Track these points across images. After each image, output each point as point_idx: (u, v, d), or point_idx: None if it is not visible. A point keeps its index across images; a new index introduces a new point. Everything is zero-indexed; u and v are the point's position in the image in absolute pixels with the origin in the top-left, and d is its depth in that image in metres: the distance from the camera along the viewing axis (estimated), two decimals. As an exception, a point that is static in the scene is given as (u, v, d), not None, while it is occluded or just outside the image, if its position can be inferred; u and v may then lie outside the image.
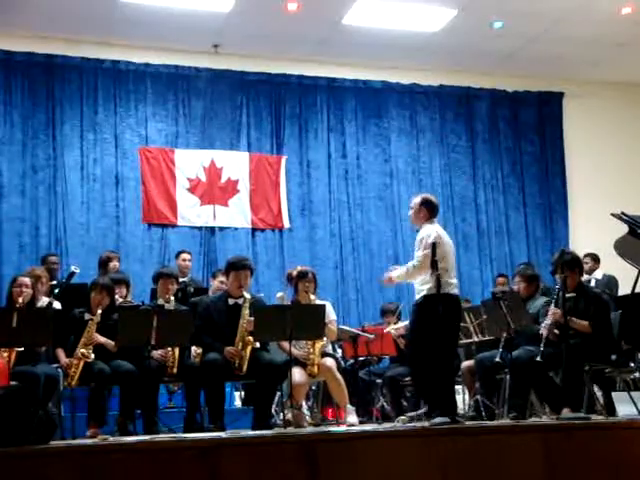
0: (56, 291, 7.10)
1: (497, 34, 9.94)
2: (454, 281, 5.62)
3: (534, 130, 11.60)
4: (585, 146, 11.55)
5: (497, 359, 6.07)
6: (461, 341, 6.60)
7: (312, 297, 6.43)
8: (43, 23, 9.29)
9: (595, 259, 8.84)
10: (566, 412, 5.43)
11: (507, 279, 9.14)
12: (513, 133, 11.52)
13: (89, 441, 4.98)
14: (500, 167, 11.38)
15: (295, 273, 6.80)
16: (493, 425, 5.47)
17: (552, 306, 5.94)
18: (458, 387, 7.17)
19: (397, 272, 5.76)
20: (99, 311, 6.00)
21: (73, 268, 7.90)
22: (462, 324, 6.43)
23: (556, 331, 5.89)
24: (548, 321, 5.90)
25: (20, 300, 5.89)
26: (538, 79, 11.40)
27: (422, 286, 5.57)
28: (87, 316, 6.06)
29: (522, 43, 10.24)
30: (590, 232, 10.82)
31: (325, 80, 10.79)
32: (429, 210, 5.77)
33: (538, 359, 5.73)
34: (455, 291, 5.61)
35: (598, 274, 8.84)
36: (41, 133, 9.69)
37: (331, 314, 6.55)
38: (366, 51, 10.28)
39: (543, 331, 5.88)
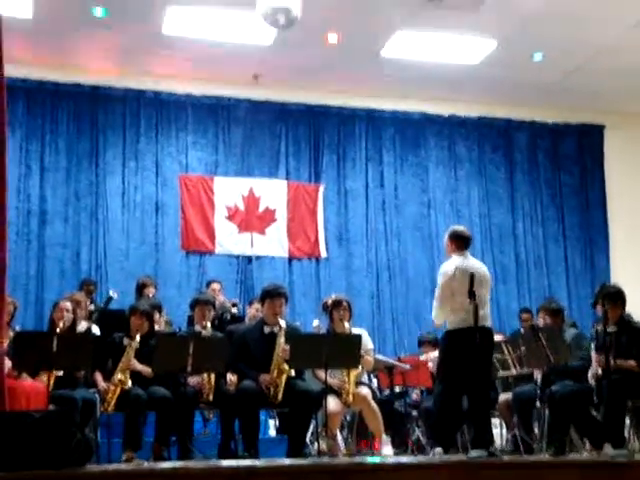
0: (94, 316, 7.21)
1: (537, 66, 9.92)
2: (481, 313, 5.58)
3: (574, 162, 11.51)
4: (626, 178, 11.41)
5: (538, 403, 6.03)
6: (499, 373, 6.52)
7: (347, 325, 6.41)
8: (90, 55, 9.52)
9: None
10: (607, 448, 5.32)
11: (531, 314, 8.85)
12: (552, 165, 11.44)
13: (124, 466, 5.00)
14: (539, 199, 11.30)
15: (330, 302, 6.80)
16: (532, 460, 5.38)
17: (593, 352, 5.87)
18: (495, 420, 7.09)
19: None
20: (138, 337, 6.04)
21: (111, 293, 8.02)
22: (500, 356, 6.36)
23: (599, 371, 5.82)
24: (593, 370, 5.83)
25: (61, 325, 5.97)
26: (578, 111, 11.31)
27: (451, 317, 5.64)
28: (126, 341, 6.10)
29: (562, 75, 10.19)
30: (632, 266, 10.68)
31: (364, 111, 10.85)
32: (457, 242, 5.82)
33: (594, 413, 5.69)
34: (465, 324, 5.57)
35: None
36: (85, 160, 9.91)
37: (368, 343, 6.52)
38: (405, 82, 10.32)
39: (591, 381, 5.82)
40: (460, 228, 5.97)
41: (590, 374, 5.89)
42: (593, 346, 5.93)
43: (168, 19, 8.69)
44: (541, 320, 6.63)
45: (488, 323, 5.65)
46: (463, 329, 5.49)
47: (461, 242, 5.80)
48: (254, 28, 8.58)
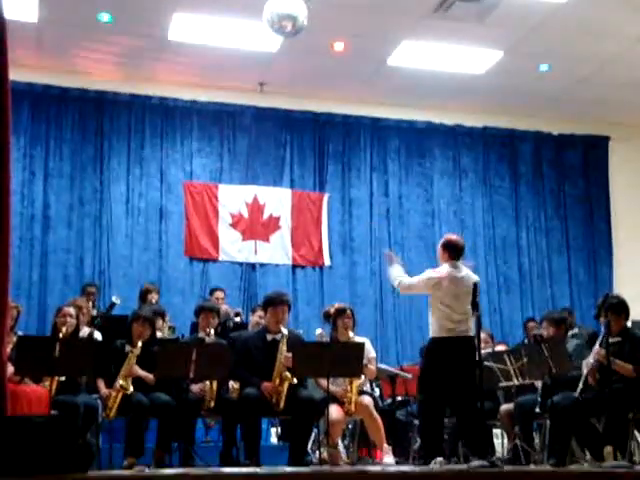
0: (96, 321, 7.21)
1: (543, 77, 9.94)
2: (463, 326, 5.65)
3: (579, 173, 11.50)
4: (631, 190, 11.40)
5: (537, 410, 6.00)
6: (501, 384, 6.50)
7: (351, 334, 6.41)
8: (96, 61, 9.56)
9: None
10: (608, 451, 5.30)
11: (537, 323, 8.90)
12: (557, 176, 11.44)
13: (126, 472, 4.99)
14: (544, 209, 11.29)
15: (333, 310, 6.80)
16: (533, 470, 5.37)
17: (596, 346, 5.85)
18: (497, 431, 7.07)
19: (396, 269, 6.00)
20: (140, 343, 6.04)
21: (114, 299, 8.02)
22: (502, 366, 6.35)
23: (597, 375, 5.78)
24: (591, 359, 5.80)
25: (64, 330, 5.98)
26: (584, 122, 11.32)
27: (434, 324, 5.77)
28: (127, 348, 6.10)
29: (568, 86, 10.20)
30: (635, 277, 10.65)
31: (369, 119, 10.86)
32: (450, 251, 5.90)
33: (576, 394, 5.64)
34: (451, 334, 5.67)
35: None
36: (89, 166, 9.91)
37: (370, 351, 6.50)
38: (411, 91, 10.34)
39: (585, 369, 5.78)
40: (454, 237, 6.02)
41: (584, 362, 5.86)
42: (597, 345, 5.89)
43: (174, 26, 8.72)
44: (544, 331, 6.61)
45: (470, 333, 5.68)
46: (446, 338, 5.60)
47: (454, 251, 5.83)
48: (260, 35, 8.61)
